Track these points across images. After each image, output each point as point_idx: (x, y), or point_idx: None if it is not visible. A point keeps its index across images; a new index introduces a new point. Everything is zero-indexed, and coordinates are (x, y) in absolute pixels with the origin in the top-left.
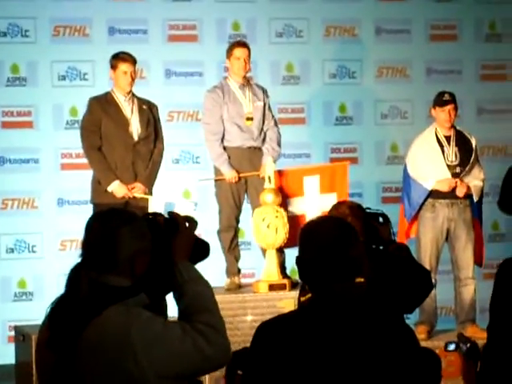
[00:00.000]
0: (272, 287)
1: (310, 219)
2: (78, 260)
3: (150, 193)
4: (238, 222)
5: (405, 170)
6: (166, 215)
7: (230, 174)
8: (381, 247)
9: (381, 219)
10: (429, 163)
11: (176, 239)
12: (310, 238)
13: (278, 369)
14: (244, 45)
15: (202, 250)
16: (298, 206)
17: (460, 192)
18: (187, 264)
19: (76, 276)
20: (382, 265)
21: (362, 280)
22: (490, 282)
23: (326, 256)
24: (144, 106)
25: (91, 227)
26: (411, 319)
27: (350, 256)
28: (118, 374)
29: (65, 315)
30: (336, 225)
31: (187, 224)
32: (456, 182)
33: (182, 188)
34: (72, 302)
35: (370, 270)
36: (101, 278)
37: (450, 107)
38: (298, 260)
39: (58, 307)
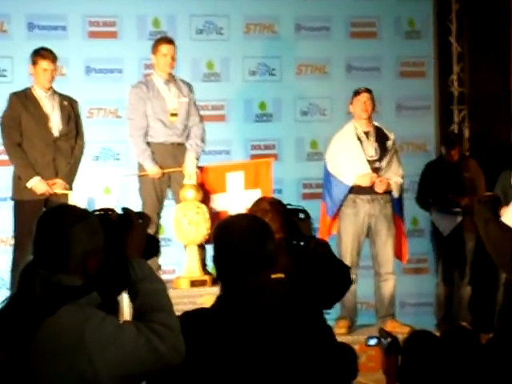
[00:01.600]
0: (193, 283)
1: (225, 217)
2: (30, 258)
3: (71, 189)
4: (159, 217)
5: (325, 167)
6: (120, 211)
7: (153, 170)
8: (301, 243)
9: (301, 215)
10: (348, 159)
11: (129, 236)
12: (223, 234)
13: (193, 361)
14: (170, 41)
15: (153, 246)
16: (220, 203)
17: (379, 188)
18: (141, 261)
19: (28, 275)
20: (302, 260)
21: (282, 275)
22: (410, 277)
23: (238, 252)
24: (65, 102)
25: (42, 225)
26: (332, 314)
27: (264, 252)
28: (71, 374)
29: (17, 315)
30: (249, 221)
31: (140, 220)
32: (376, 178)
33: (102, 184)
34: (24, 301)
35: (290, 265)
36: (53, 277)
37: (365, 97)
38: (213, 257)
39: (10, 306)
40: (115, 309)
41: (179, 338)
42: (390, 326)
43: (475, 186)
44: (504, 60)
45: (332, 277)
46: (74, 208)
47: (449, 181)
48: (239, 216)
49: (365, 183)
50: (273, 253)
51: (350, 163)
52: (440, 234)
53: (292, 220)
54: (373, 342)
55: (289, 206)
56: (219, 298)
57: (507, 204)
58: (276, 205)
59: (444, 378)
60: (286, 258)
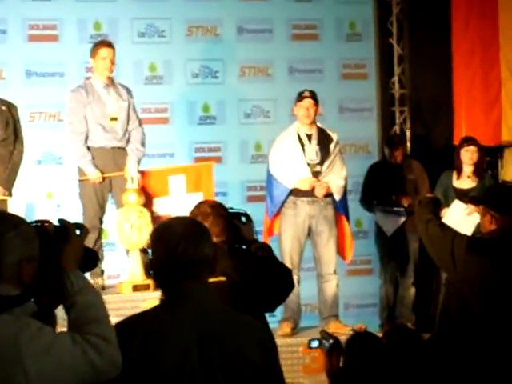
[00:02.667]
0: (136, 288)
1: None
2: None
3: (10, 195)
4: (101, 222)
5: (267, 168)
6: (56, 222)
7: (93, 175)
8: (243, 246)
9: (243, 218)
10: (289, 162)
11: (66, 247)
12: (159, 238)
13: (127, 367)
14: (109, 45)
15: (91, 258)
16: (163, 206)
17: (319, 193)
18: (77, 273)
19: None
20: (243, 264)
21: (224, 279)
22: (354, 278)
23: (173, 256)
24: (3, 107)
25: None
26: (276, 316)
27: (201, 256)
28: None
29: None
30: (185, 225)
31: (78, 231)
32: (315, 182)
33: (44, 189)
34: None
35: (231, 269)
36: None
37: (308, 103)
38: (150, 260)
39: None
40: (52, 321)
41: (116, 350)
42: (333, 327)
43: (418, 186)
44: (445, 62)
45: (274, 280)
46: (7, 215)
47: (392, 182)
48: (175, 219)
49: (304, 187)
50: (210, 257)
51: (291, 166)
52: (384, 235)
53: (234, 223)
54: (315, 344)
55: (231, 210)
56: (161, 302)
57: (448, 205)
58: (217, 208)
59: (386, 378)
60: (228, 261)
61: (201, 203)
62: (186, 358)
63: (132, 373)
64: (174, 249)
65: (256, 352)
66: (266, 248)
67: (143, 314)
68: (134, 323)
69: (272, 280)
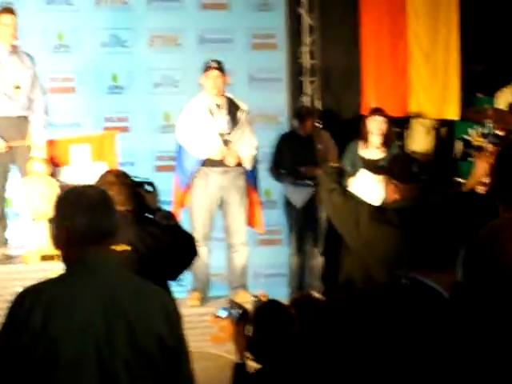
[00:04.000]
0: (44, 258)
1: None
2: None
3: None
4: (4, 190)
5: (177, 138)
6: None
7: None
8: (148, 215)
9: (148, 187)
10: (199, 132)
11: None
12: (60, 206)
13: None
14: (12, 11)
15: None
16: (67, 175)
17: (229, 161)
18: None
19: None
20: (148, 232)
21: (128, 248)
22: (264, 248)
23: (76, 224)
24: None
25: None
26: (185, 286)
27: (100, 224)
28: None
29: None
30: (88, 193)
31: None
32: (226, 151)
33: None
34: None
35: (136, 237)
36: None
37: (215, 73)
38: (52, 229)
39: None
40: None
41: None
42: (241, 297)
43: (328, 157)
44: (354, 32)
45: (177, 248)
46: None
47: (301, 153)
48: (77, 188)
49: (215, 156)
50: (113, 225)
51: (201, 136)
52: (293, 205)
53: (138, 192)
54: (223, 313)
55: (135, 179)
56: (65, 271)
57: (355, 173)
58: (122, 177)
59: (294, 345)
60: (133, 230)
61: (106, 172)
62: (90, 324)
63: (36, 342)
64: (75, 217)
65: (159, 318)
66: (170, 216)
67: (47, 283)
68: (38, 291)
69: (175, 248)
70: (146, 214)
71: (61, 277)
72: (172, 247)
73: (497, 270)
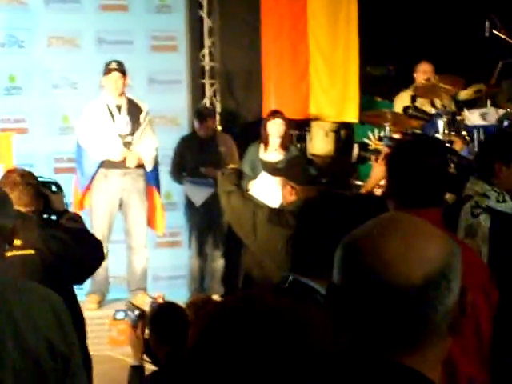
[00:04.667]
0: None
1: None
2: None
3: None
4: None
5: (77, 140)
6: None
7: None
8: (53, 217)
9: (54, 188)
10: (99, 133)
11: None
12: None
13: None
14: None
15: None
16: None
17: (130, 163)
18: None
19: None
20: (53, 236)
21: (32, 251)
22: (164, 251)
23: None
24: None
25: None
26: (83, 289)
27: None
28: None
29: None
30: None
31: None
32: (127, 152)
33: None
34: None
35: (40, 240)
36: None
37: (116, 75)
38: None
39: None
40: None
41: None
42: (140, 299)
43: (228, 159)
44: (254, 35)
45: (84, 252)
46: None
47: (202, 154)
48: None
49: (115, 158)
50: (7, 227)
51: (101, 138)
52: (193, 207)
53: (44, 193)
54: (120, 315)
55: (41, 179)
56: None
57: (255, 177)
58: (27, 177)
59: (189, 348)
60: (37, 233)
61: (9, 172)
62: None
63: None
64: None
65: (46, 319)
66: (77, 219)
67: None
68: None
69: (82, 252)
70: (52, 216)
71: None
72: (78, 251)
73: (366, 269)
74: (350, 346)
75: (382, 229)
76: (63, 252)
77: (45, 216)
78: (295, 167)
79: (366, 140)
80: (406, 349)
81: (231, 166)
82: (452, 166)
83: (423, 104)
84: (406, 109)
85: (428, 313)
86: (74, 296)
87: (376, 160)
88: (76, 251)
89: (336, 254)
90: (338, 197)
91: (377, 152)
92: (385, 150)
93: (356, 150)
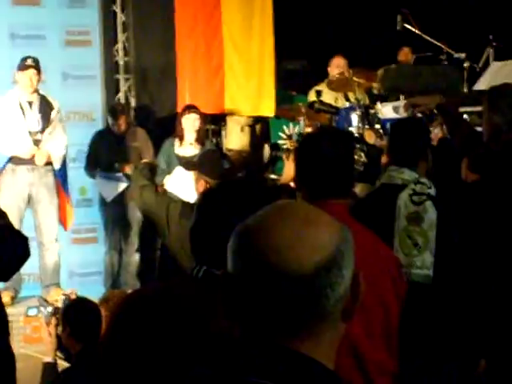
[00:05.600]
0: None
1: None
2: None
3: None
4: None
5: None
6: None
7: None
8: None
9: None
10: (9, 129)
11: None
12: None
13: None
14: None
15: None
16: None
17: (39, 161)
18: None
19: None
20: None
21: None
22: (79, 247)
23: None
24: None
25: None
26: None
27: None
28: None
29: None
30: None
31: None
32: (36, 150)
33: None
34: None
35: None
36: None
37: (31, 72)
38: None
39: None
40: None
41: None
42: (53, 295)
43: (143, 154)
44: (168, 31)
45: (9, 248)
46: None
47: (117, 150)
48: None
49: (24, 155)
50: None
51: (11, 134)
52: (109, 202)
53: None
54: (32, 311)
55: None
56: None
57: (171, 172)
58: None
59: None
60: None
61: None
62: None
63: None
64: None
65: None
66: (1, 215)
67: None
68: None
69: (7, 248)
70: None
71: None
72: (3, 247)
73: (258, 257)
74: (244, 334)
75: (274, 217)
76: None
77: None
78: (208, 161)
79: (279, 140)
80: (298, 335)
81: (145, 160)
82: (363, 155)
83: (337, 98)
84: (311, 104)
85: (320, 299)
86: None
87: (287, 158)
88: (1, 247)
89: (229, 243)
90: (234, 185)
91: (287, 150)
92: (295, 146)
93: (267, 150)
